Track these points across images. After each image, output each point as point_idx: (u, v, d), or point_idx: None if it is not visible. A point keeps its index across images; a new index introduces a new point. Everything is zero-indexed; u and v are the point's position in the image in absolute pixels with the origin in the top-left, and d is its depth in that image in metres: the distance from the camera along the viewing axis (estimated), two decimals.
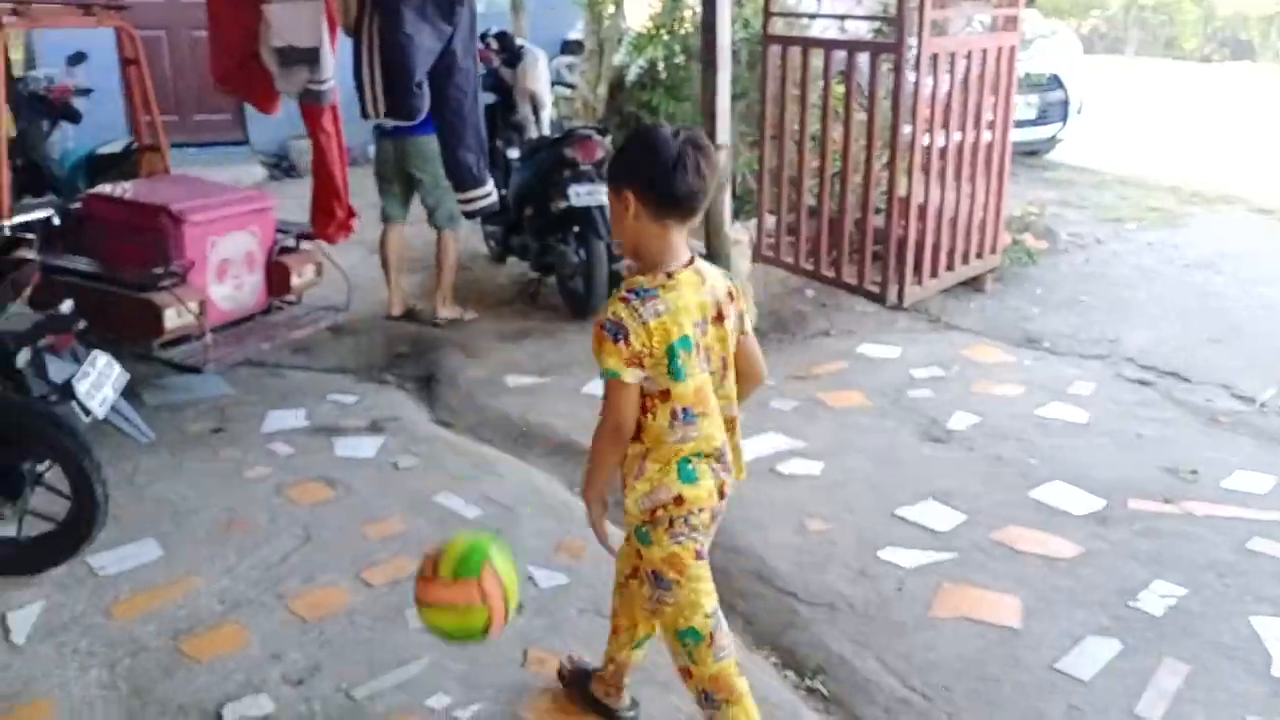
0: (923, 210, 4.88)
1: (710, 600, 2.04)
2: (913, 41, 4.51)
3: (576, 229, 5.16)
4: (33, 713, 2.41)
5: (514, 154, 6.00)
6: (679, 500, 1.96)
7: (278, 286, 4.30)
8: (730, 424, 2.07)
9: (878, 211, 5.07)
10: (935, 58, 4.60)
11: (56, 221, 3.96)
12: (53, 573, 2.92)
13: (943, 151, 4.85)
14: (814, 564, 3.09)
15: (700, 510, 2.00)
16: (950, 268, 5.19)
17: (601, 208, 5.10)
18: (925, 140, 4.75)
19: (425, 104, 2.88)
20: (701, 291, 1.97)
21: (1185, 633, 2.73)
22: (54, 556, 2.92)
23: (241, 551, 3.07)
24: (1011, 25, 5.12)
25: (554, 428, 4.08)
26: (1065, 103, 8.31)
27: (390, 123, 2.74)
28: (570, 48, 8.11)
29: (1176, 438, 3.92)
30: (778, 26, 5.48)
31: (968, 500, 3.45)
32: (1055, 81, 8.09)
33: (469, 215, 2.60)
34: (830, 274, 5.19)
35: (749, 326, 2.11)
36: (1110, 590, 2.93)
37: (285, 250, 4.33)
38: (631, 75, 8.71)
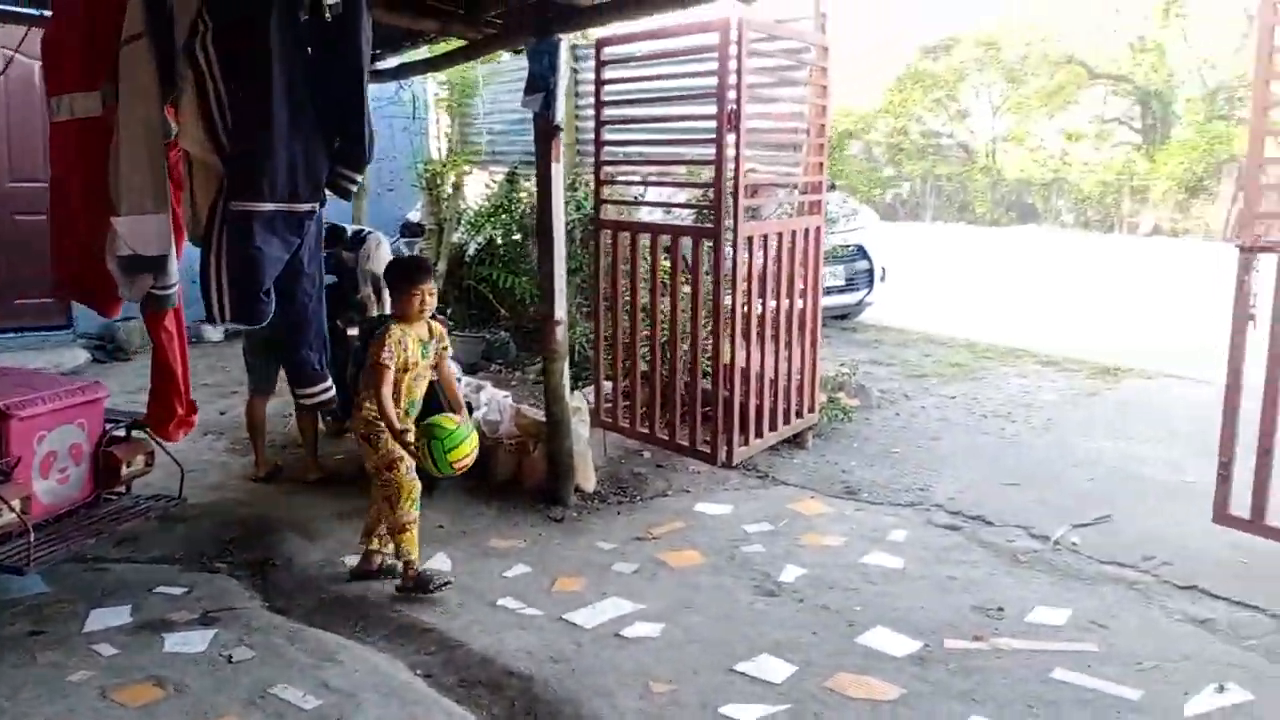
0: (746, 374, 5.24)
1: None
2: (729, 225, 4.96)
3: None
4: None
5: (354, 332, 6.11)
6: None
7: (105, 477, 4.19)
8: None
9: (705, 375, 5.41)
10: (750, 239, 5.06)
11: None
12: None
13: (761, 319, 5.26)
14: None
15: None
16: (774, 427, 5.53)
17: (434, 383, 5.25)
18: (746, 309, 5.15)
19: (271, 309, 3.02)
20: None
21: None
22: None
23: None
24: (816, 208, 5.68)
25: (394, 608, 4.07)
26: (870, 271, 9.11)
27: (236, 326, 2.91)
28: (410, 229, 8.40)
29: (983, 578, 4.25)
30: (608, 210, 5.89)
31: (800, 651, 3.64)
32: (860, 252, 8.88)
33: (309, 409, 2.79)
34: (665, 436, 5.44)
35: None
36: None
37: (114, 440, 4.25)
38: (470, 251, 9.06)
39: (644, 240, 5.54)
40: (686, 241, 5.25)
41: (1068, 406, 6.76)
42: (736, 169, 4.87)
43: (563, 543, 4.72)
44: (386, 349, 3.96)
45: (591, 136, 5.69)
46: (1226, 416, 4.21)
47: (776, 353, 5.45)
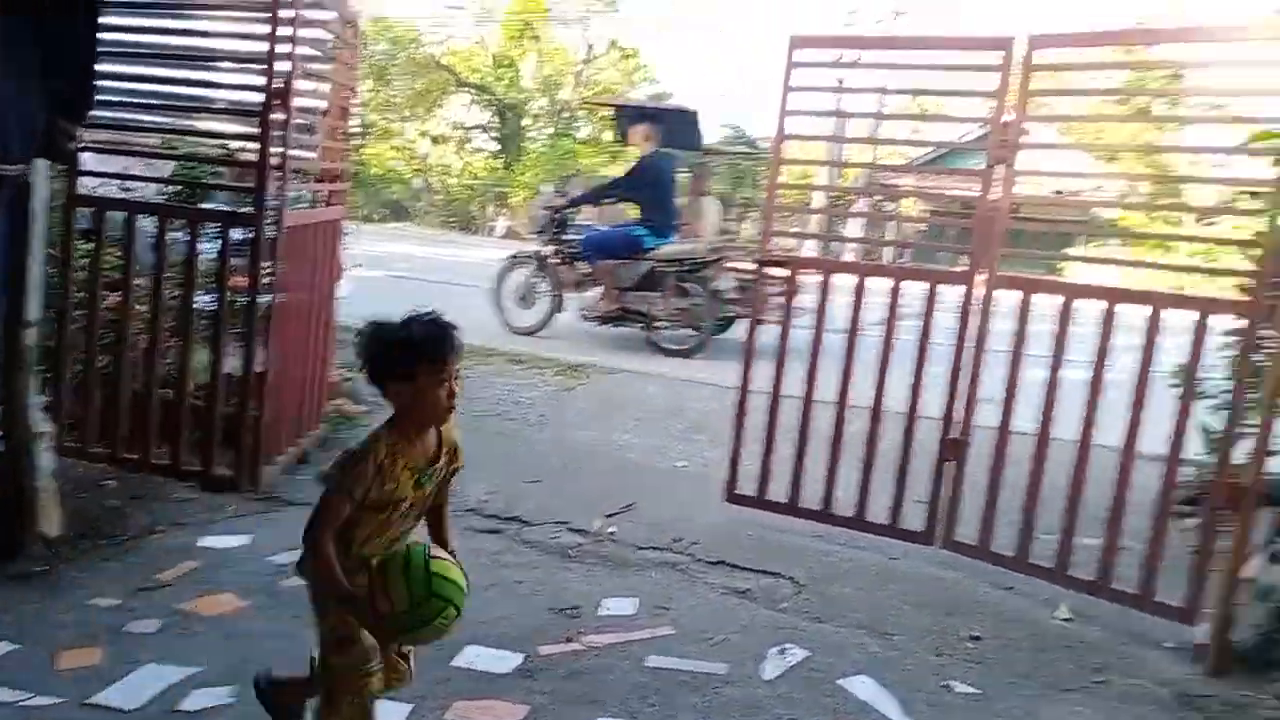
0: (276, 383, 4.67)
1: None
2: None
3: None
4: None
5: None
6: None
7: None
8: None
9: (232, 393, 4.70)
10: (291, 229, 4.52)
11: None
12: None
13: (295, 321, 4.73)
14: None
15: None
16: (292, 442, 5.02)
17: None
18: (283, 309, 4.60)
19: None
20: None
21: None
22: None
23: None
24: (339, 198, 5.27)
25: None
26: None
27: None
28: None
29: (547, 578, 4.29)
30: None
31: None
32: None
33: None
34: (165, 461, 4.61)
35: None
36: None
37: None
38: None
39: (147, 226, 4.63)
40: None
41: (553, 402, 7.14)
42: (284, 150, 4.32)
43: (45, 606, 3.76)
44: (355, 477, 2.47)
45: None
46: (739, 413, 4.80)
47: (304, 358, 4.94)
